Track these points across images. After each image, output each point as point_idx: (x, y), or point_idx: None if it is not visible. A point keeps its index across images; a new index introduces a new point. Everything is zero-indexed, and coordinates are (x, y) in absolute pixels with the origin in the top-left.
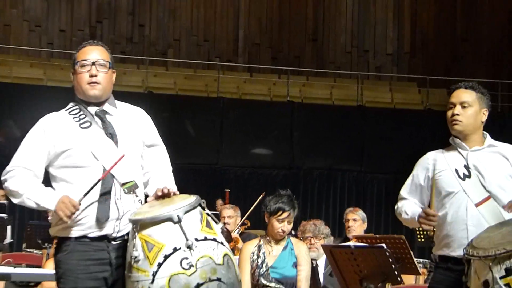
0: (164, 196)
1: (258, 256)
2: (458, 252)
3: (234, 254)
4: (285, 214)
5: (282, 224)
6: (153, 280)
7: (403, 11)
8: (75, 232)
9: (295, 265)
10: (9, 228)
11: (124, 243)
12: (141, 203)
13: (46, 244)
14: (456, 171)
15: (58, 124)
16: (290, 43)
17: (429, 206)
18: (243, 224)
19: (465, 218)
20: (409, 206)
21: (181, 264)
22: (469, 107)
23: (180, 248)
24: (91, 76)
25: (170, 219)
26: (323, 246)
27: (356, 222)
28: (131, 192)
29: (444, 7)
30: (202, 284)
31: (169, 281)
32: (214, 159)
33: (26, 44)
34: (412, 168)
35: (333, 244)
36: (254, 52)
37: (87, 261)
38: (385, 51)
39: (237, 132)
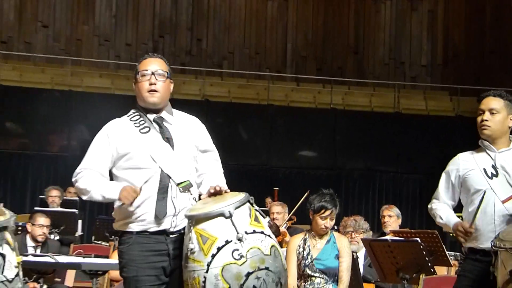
0: (216, 193)
1: (304, 249)
2: (486, 245)
3: (282, 247)
4: (328, 212)
5: (325, 221)
6: (207, 270)
7: (436, 26)
8: (136, 227)
9: (337, 257)
10: (80, 222)
11: (180, 236)
12: (195, 200)
13: (113, 237)
14: (485, 170)
15: (120, 129)
16: (333, 55)
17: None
18: (290, 219)
19: (492, 214)
20: (444, 211)
21: (232, 255)
22: (497, 113)
23: (231, 241)
24: (151, 84)
25: (222, 214)
26: (363, 240)
27: (391, 218)
28: (186, 191)
29: (474, 22)
30: (252, 272)
31: (222, 270)
32: (264, 160)
33: (96, 57)
34: (443, 169)
35: (372, 238)
36: (300, 63)
37: (147, 252)
38: (419, 62)
39: (284, 136)
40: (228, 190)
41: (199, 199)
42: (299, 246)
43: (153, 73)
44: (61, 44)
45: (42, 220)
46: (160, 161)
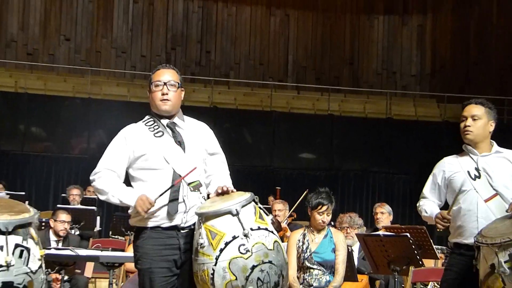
0: (223, 193)
1: (303, 243)
2: (470, 240)
3: (283, 241)
4: (324, 208)
5: (322, 216)
6: (216, 263)
7: (425, 40)
8: (150, 223)
9: (334, 250)
10: (98, 218)
11: (191, 231)
12: (204, 199)
13: (128, 232)
14: (468, 172)
15: (136, 133)
16: (330, 66)
17: (446, 203)
18: (290, 216)
19: (475, 212)
20: (428, 205)
21: (239, 250)
22: (479, 119)
23: (238, 236)
24: (163, 94)
25: (229, 212)
26: (357, 235)
27: (383, 214)
28: (196, 190)
29: (459, 37)
30: (256, 265)
31: (229, 263)
32: (267, 162)
33: (114, 67)
34: (431, 170)
35: (365, 233)
36: (301, 73)
37: (160, 246)
38: (409, 72)
39: (286, 140)
40: (234, 190)
41: (208, 198)
42: (299, 240)
43: (165, 84)
44: (82, 55)
45: (64, 216)
46: (173, 163)
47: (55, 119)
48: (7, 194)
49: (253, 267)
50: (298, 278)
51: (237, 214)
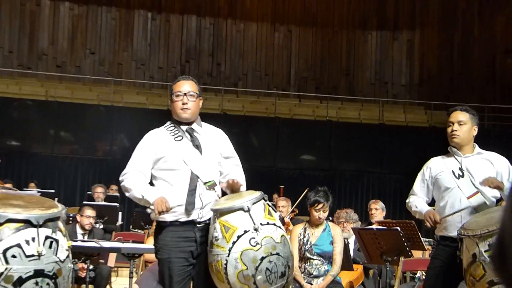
0: (232, 185)
1: (304, 236)
2: (454, 233)
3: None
4: (320, 205)
5: (318, 213)
6: (229, 254)
7: (414, 53)
8: (169, 218)
9: (332, 242)
10: (120, 214)
11: (206, 226)
12: (218, 197)
13: (147, 226)
14: (453, 172)
15: (159, 137)
16: (329, 76)
17: (433, 200)
18: (292, 211)
19: (459, 207)
20: (418, 201)
21: (250, 242)
22: (464, 124)
23: (249, 230)
24: (183, 103)
25: (241, 208)
26: (353, 229)
27: (377, 210)
28: (211, 189)
29: (444, 50)
30: (265, 257)
31: (241, 254)
32: (271, 163)
33: (134, 78)
34: (419, 170)
35: (360, 227)
36: (302, 83)
37: (178, 238)
38: (400, 82)
39: (289, 143)
40: (243, 184)
41: (223, 195)
42: (300, 234)
43: (185, 94)
44: (105, 67)
45: (89, 212)
46: (191, 164)
47: (81, 125)
48: (38, 192)
49: (262, 258)
50: (299, 267)
51: (249, 210)
